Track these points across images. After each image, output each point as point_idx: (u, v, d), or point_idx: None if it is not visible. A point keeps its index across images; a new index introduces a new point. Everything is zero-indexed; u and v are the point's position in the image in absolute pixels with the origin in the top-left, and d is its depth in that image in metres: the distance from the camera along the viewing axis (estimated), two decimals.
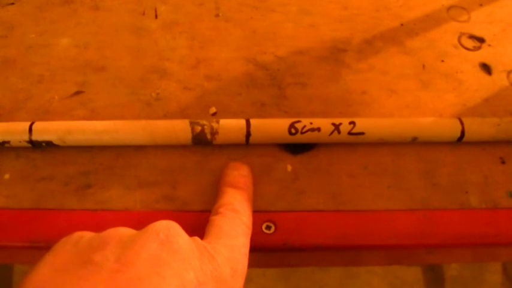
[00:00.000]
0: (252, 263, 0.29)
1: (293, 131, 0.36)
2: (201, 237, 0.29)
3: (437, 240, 0.34)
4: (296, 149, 0.37)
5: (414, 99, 0.41)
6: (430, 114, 0.40)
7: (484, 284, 1.04)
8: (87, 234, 0.26)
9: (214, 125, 0.36)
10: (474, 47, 0.45)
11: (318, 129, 0.36)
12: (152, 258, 0.24)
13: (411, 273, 1.03)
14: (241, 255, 0.28)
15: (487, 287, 1.03)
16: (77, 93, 0.40)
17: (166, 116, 0.39)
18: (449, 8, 0.48)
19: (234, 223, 0.30)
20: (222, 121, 0.36)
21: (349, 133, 0.36)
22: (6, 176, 0.36)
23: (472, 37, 0.46)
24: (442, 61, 0.44)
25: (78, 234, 0.26)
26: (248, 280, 0.28)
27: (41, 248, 0.33)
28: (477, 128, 0.38)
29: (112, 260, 0.24)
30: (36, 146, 0.36)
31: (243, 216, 0.31)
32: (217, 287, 0.25)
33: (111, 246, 0.24)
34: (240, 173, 0.34)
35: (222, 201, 0.31)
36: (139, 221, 0.34)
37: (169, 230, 0.26)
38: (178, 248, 0.25)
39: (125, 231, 0.26)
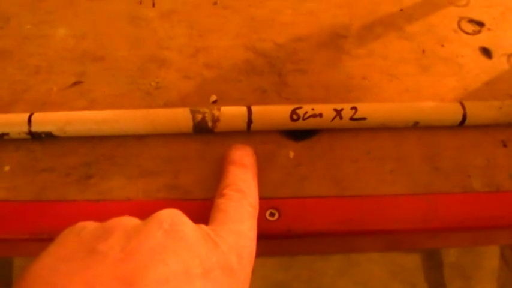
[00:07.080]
0: (256, 252, 0.29)
1: (295, 117, 0.36)
2: (205, 224, 0.28)
3: (440, 224, 0.34)
4: (298, 135, 0.37)
5: (414, 83, 0.41)
6: (430, 98, 0.40)
7: (482, 269, 1.04)
8: (90, 225, 0.26)
9: (216, 112, 0.36)
10: (474, 31, 0.45)
11: (320, 115, 0.36)
12: (157, 247, 0.24)
13: (411, 261, 1.04)
14: (247, 240, 0.28)
15: (485, 273, 1.04)
16: (76, 83, 0.40)
17: (166, 105, 0.39)
18: None
19: (240, 205, 0.29)
20: (223, 108, 0.36)
21: (351, 118, 0.36)
22: (6, 168, 0.35)
23: (471, 21, 0.46)
24: (442, 46, 0.43)
25: (81, 224, 0.26)
26: None
27: (43, 240, 0.33)
28: (479, 111, 0.37)
29: (117, 249, 0.23)
30: (35, 137, 0.36)
31: (249, 196, 0.30)
32: (224, 274, 0.25)
33: (116, 236, 0.24)
34: (243, 152, 0.34)
35: (226, 182, 0.31)
36: (142, 211, 0.33)
37: (174, 218, 0.26)
38: (183, 236, 0.25)
39: (128, 221, 0.26)
